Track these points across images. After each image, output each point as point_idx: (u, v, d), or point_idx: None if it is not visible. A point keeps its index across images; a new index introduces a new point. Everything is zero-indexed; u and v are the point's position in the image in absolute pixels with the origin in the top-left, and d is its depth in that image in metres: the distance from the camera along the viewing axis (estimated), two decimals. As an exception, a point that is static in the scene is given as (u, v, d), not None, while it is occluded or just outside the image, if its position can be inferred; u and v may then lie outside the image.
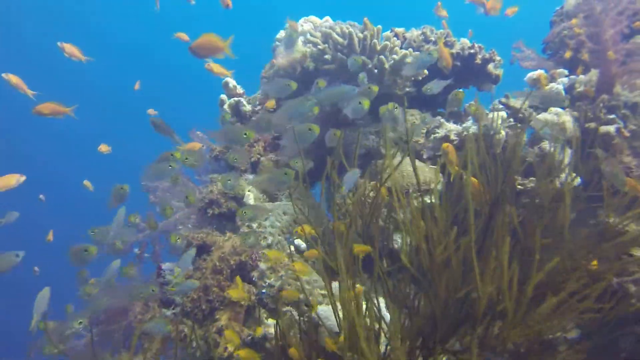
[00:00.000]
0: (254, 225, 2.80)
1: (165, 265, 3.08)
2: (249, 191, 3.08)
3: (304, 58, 3.38)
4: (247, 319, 2.64)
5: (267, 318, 2.62)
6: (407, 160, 3.03)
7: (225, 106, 3.57)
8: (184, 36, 4.24)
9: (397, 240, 2.96)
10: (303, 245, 2.91)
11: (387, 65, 2.93)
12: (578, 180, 2.84)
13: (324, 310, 2.64)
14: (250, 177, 3.30)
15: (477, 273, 1.62)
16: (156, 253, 3.16)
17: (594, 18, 2.88)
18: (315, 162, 3.41)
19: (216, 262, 2.54)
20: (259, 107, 3.58)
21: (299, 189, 3.20)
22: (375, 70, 3.00)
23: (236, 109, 3.55)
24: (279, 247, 2.77)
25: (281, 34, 3.66)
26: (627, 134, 2.88)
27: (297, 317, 2.61)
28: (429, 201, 2.87)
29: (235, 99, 3.55)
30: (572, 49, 3.22)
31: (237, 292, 2.44)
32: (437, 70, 2.98)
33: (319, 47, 3.09)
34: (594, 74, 3.07)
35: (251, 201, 3.05)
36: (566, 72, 3.08)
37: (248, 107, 3.53)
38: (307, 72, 3.44)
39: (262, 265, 2.68)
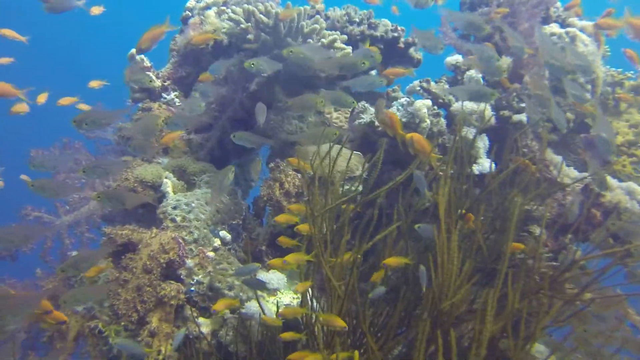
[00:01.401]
0: (178, 219, 2.64)
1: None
2: (166, 178, 2.89)
3: (217, 32, 3.18)
4: (176, 318, 2.53)
5: (196, 317, 2.52)
6: (334, 147, 2.99)
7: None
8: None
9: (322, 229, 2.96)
10: (228, 237, 2.81)
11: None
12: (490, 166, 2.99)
13: (255, 307, 2.60)
14: (164, 160, 3.09)
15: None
16: (65, 248, 2.89)
17: (512, 9, 2.98)
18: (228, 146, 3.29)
19: (146, 261, 2.38)
20: (168, 83, 3.34)
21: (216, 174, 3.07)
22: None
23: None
24: (205, 241, 2.65)
25: (192, 2, 3.39)
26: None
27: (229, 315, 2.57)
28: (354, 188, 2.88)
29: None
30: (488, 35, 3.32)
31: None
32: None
33: (242, 26, 2.90)
34: (506, 61, 3.20)
35: (169, 189, 2.86)
36: (483, 60, 3.17)
37: (157, 83, 3.27)
38: (219, 46, 3.25)
39: (190, 262, 2.56)
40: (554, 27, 3.23)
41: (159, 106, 3.20)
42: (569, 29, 3.20)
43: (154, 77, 3.23)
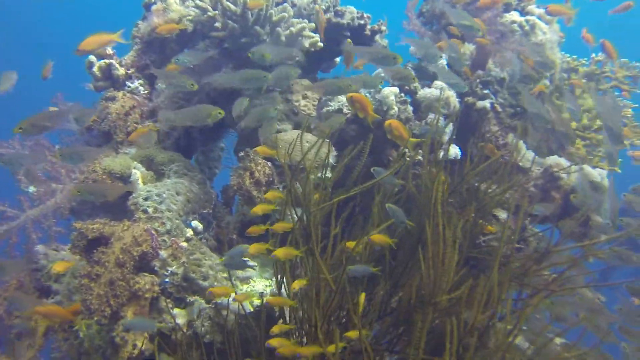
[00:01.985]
0: (150, 211, 2.62)
1: (39, 248, 2.79)
2: (135, 169, 2.85)
3: (181, 18, 3.13)
4: (151, 310, 2.52)
5: (172, 308, 2.52)
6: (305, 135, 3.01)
7: (95, 69, 3.19)
8: None
9: (293, 215, 2.98)
10: (200, 226, 2.81)
11: (283, 38, 2.83)
12: (458, 152, 3.07)
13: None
14: (131, 150, 3.04)
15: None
16: (32, 242, 2.82)
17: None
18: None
19: (119, 255, 2.35)
20: (132, 71, 3.26)
21: (183, 163, 3.04)
22: (267, 38, 2.88)
23: (107, 72, 3.20)
24: (178, 231, 2.64)
25: (155, -13, 3.32)
26: (499, 109, 3.15)
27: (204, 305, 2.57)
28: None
29: (106, 60, 3.19)
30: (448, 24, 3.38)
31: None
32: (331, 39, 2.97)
33: (209, 13, 2.86)
34: (468, 48, 3.27)
35: (139, 180, 2.82)
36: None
37: (121, 71, 3.20)
38: (184, 34, 3.20)
39: (163, 253, 2.54)
40: (514, 15, 3.32)
41: (124, 95, 3.13)
42: (528, 17, 3.30)
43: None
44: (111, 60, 3.19)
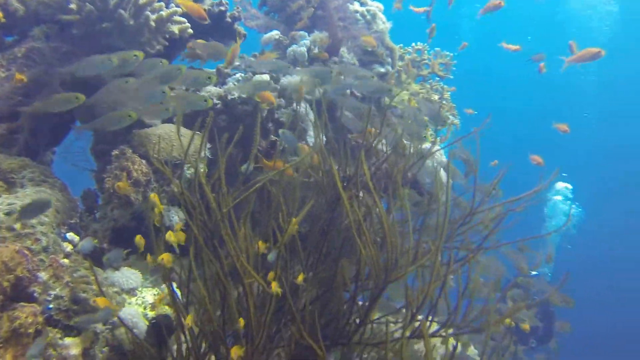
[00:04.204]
0: (17, 227, 2.19)
1: None
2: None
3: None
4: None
5: (61, 338, 2.16)
6: (174, 128, 2.80)
7: None
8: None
9: (173, 216, 2.77)
10: (77, 238, 2.44)
11: (152, 23, 2.58)
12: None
13: (129, 314, 2.34)
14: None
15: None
16: None
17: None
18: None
19: (-9, 288, 1.93)
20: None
21: (38, 169, 2.60)
22: (132, 22, 2.60)
23: None
24: (55, 247, 2.26)
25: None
26: (357, 94, 3.33)
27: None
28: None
29: None
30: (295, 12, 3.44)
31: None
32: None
33: (59, -7, 2.47)
34: (320, 37, 3.37)
35: (-16, 193, 2.33)
36: (306, 34, 3.29)
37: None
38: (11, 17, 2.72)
39: (43, 275, 2.16)
40: (356, 5, 3.52)
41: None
42: (369, 7, 3.53)
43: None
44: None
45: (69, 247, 2.34)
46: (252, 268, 1.91)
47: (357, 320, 1.98)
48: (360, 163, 2.08)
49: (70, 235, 2.40)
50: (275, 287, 1.80)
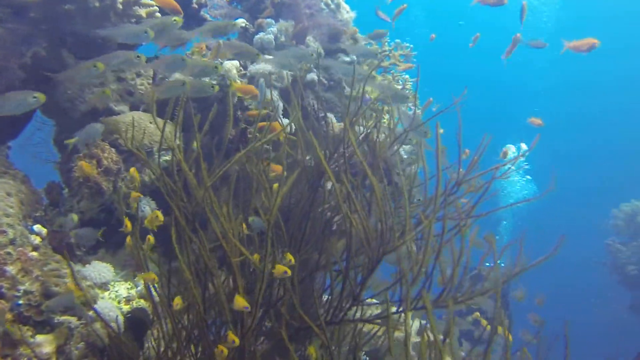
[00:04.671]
0: (-19, 219, 2.04)
1: None
2: None
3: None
4: (4, 344, 1.98)
5: (32, 336, 2.03)
6: (142, 115, 2.70)
7: None
8: None
9: (144, 207, 2.67)
10: (44, 231, 2.30)
11: (120, 5, 2.47)
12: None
13: (105, 307, 2.24)
14: None
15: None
16: None
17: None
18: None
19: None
20: None
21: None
22: (97, 4, 2.48)
23: None
24: (23, 239, 2.12)
25: None
26: (324, 81, 3.30)
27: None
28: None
29: None
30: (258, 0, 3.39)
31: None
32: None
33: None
34: (286, 25, 3.34)
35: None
36: (272, 21, 3.24)
37: None
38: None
39: (11, 269, 2.02)
40: (319, -6, 3.50)
41: None
42: (333, -4, 3.53)
43: None
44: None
45: (37, 240, 2.20)
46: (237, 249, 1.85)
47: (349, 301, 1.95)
48: (347, 131, 2.05)
49: (37, 227, 2.27)
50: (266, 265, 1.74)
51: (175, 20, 2.24)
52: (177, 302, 1.78)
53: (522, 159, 2.87)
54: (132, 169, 2.21)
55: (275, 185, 1.91)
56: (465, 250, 1.87)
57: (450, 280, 1.77)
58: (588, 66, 16.63)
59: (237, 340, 1.67)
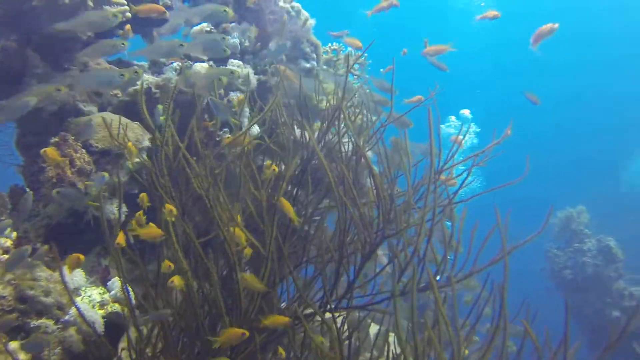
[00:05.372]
0: (-51, 220, 1.93)
1: None
2: None
3: None
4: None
5: (4, 343, 1.94)
6: (112, 116, 2.64)
7: None
8: None
9: (112, 210, 2.60)
10: (14, 234, 2.20)
11: (90, 3, 2.42)
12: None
13: (84, 310, 2.16)
14: None
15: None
16: None
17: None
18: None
19: None
20: None
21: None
22: (67, 1, 2.42)
23: None
24: (-6, 242, 2.02)
25: None
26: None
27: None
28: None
29: None
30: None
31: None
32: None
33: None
34: (250, 29, 3.36)
35: None
36: (238, 26, 3.24)
37: None
38: None
39: (-16, 273, 1.93)
40: (281, 2, 3.54)
41: None
42: (293, 4, 3.58)
43: None
44: None
45: (8, 243, 2.10)
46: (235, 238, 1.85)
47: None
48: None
49: (7, 230, 2.16)
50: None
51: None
52: (177, 280, 1.74)
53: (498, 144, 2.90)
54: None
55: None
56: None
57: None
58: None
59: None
